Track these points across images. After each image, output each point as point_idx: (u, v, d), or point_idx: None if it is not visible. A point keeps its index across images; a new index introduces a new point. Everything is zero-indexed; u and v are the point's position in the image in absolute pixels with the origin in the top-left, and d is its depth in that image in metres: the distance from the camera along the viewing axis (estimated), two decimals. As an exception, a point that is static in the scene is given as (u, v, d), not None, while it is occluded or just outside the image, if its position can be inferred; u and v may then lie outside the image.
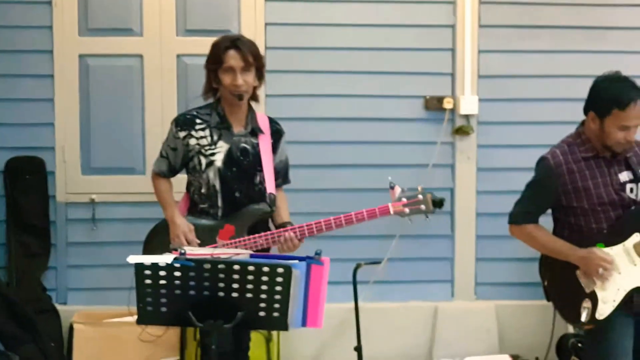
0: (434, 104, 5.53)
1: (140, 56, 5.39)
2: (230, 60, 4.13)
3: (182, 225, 4.25)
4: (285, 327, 3.17)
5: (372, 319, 5.37)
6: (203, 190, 4.29)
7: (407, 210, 4.14)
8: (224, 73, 4.15)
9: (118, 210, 5.43)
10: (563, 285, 4.18)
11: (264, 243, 4.15)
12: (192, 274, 3.07)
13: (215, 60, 4.18)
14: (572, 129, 5.49)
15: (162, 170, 4.44)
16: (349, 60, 5.51)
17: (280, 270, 3.09)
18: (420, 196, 4.15)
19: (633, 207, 4.10)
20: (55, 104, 5.37)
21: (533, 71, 5.55)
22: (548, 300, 4.33)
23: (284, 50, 5.45)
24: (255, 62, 4.18)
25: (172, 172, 4.44)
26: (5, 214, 5.37)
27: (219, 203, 4.26)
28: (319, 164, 5.44)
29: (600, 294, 4.02)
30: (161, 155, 4.43)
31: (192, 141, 4.27)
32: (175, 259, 3.06)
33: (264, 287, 3.10)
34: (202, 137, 4.26)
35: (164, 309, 3.15)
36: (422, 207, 4.14)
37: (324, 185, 5.39)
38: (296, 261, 3.22)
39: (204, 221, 4.28)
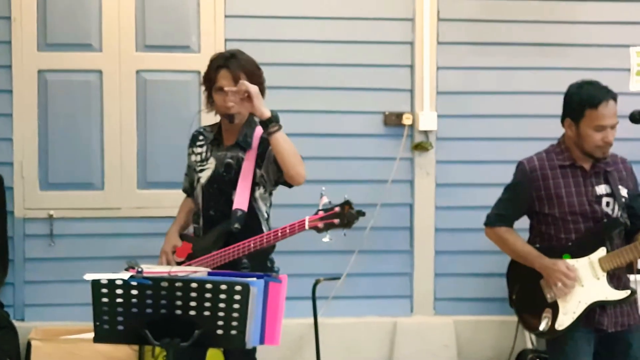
0: (393, 120, 5.57)
1: (100, 71, 5.37)
2: (221, 80, 3.99)
3: (167, 244, 4.22)
4: (243, 345, 3.17)
5: (331, 334, 5.39)
6: (195, 209, 4.22)
7: (320, 225, 3.65)
8: (215, 93, 4.02)
9: (76, 226, 5.40)
10: (527, 293, 4.18)
11: (227, 257, 3.96)
12: (149, 292, 3.07)
13: (208, 79, 4.05)
14: (530, 145, 5.60)
15: (184, 187, 4.38)
16: (308, 76, 5.54)
17: (238, 287, 3.09)
18: (337, 208, 3.62)
19: (604, 221, 4.07)
20: (14, 119, 5.34)
21: (491, 88, 5.61)
22: (511, 306, 4.32)
23: None
24: (248, 82, 3.97)
25: (192, 189, 4.27)
26: (-38, 230, 5.31)
27: (201, 222, 4.15)
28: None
29: (561, 305, 4.03)
30: (185, 173, 4.37)
31: (192, 158, 4.23)
32: (132, 276, 3.06)
33: (221, 305, 3.10)
34: (198, 154, 4.20)
35: (120, 327, 3.14)
36: (336, 221, 3.62)
37: (282, 201, 5.39)
38: (254, 279, 3.21)
39: (191, 239, 4.21)
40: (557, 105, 5.63)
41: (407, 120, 5.55)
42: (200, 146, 4.20)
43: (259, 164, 4.07)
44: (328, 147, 5.55)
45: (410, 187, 5.63)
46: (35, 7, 5.32)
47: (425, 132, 5.58)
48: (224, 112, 4.02)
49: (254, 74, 4.07)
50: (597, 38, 5.73)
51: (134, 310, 3.10)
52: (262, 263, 4.02)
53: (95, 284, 3.07)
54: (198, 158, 4.19)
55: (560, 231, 4.11)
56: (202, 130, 4.28)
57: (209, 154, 4.16)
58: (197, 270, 3.40)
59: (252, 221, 4.06)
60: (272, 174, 4.08)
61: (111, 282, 3.05)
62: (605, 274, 4.00)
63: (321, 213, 3.65)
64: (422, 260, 5.66)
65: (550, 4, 5.68)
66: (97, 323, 3.14)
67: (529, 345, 5.48)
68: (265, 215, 4.15)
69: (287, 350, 5.46)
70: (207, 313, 3.10)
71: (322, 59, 5.55)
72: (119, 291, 3.07)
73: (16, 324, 5.27)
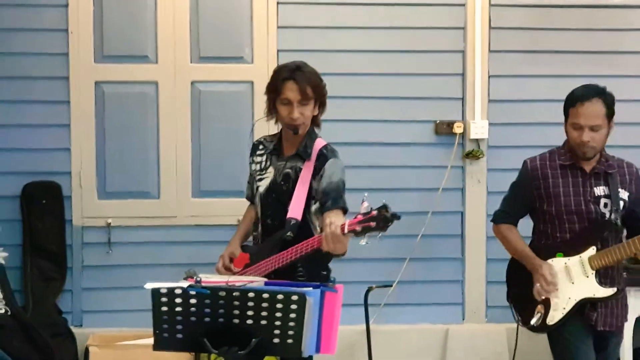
0: (444, 129, 5.59)
1: (155, 83, 5.46)
2: (287, 92, 3.95)
3: (226, 250, 4.23)
4: (299, 354, 3.19)
5: (383, 342, 5.42)
6: (255, 218, 4.24)
7: (358, 228, 3.62)
8: (280, 104, 3.99)
9: (133, 234, 5.49)
10: (523, 289, 4.26)
11: (276, 264, 3.96)
12: (207, 301, 3.10)
13: (273, 89, 4.02)
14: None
15: (247, 195, 4.38)
16: (360, 86, 5.58)
17: (294, 297, 3.11)
18: (374, 212, 3.60)
19: (596, 221, 4.14)
20: (72, 130, 5.44)
21: (542, 95, 5.59)
22: (508, 301, 4.44)
23: None
24: (314, 94, 3.98)
25: (254, 197, 4.30)
26: (21, 239, 5.42)
27: (259, 229, 4.17)
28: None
29: (553, 301, 4.13)
30: (247, 181, 4.38)
31: (253, 166, 4.24)
32: (190, 286, 3.11)
33: (278, 315, 3.12)
34: (258, 163, 4.21)
35: (179, 335, 3.18)
36: (373, 224, 3.59)
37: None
38: (310, 289, 3.25)
39: (250, 248, 4.25)
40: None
41: (458, 128, 5.57)
42: (260, 155, 4.21)
43: (314, 178, 4.05)
44: (380, 156, 5.59)
45: (462, 195, 5.66)
46: (91, 20, 5.42)
47: (477, 140, 5.59)
48: (289, 122, 3.99)
49: (319, 86, 4.05)
50: (646, 45, 5.71)
51: (193, 319, 3.14)
52: (317, 273, 4.05)
53: (155, 293, 3.12)
54: (257, 167, 4.19)
55: (557, 230, 4.21)
56: (262, 140, 4.28)
57: (268, 163, 4.17)
58: (254, 280, 3.44)
59: (305, 231, 4.03)
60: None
61: (170, 291, 3.10)
62: (594, 272, 4.09)
63: (360, 217, 3.64)
64: (473, 267, 5.68)
65: (601, 11, 5.66)
66: (157, 331, 3.18)
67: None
68: (318, 229, 4.06)
69: (340, 357, 5.41)
70: (264, 322, 3.13)
71: (373, 68, 5.59)
72: (178, 300, 3.11)
73: (74, 330, 5.39)
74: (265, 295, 3.11)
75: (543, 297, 4.13)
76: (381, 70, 5.60)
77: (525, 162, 4.33)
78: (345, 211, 4.01)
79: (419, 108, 5.62)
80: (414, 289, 5.62)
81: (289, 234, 3.96)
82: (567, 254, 4.16)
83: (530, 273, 4.21)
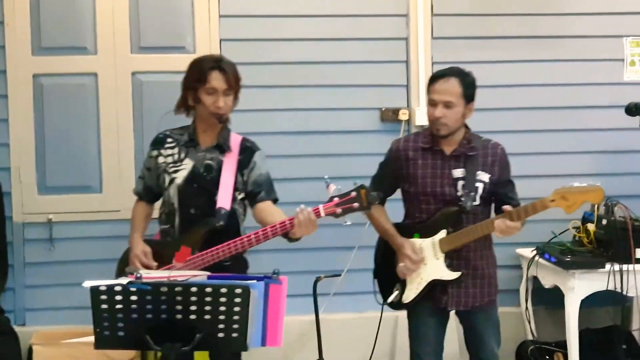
0: (389, 116, 5.57)
1: (95, 74, 5.37)
2: (213, 82, 4.08)
3: (136, 248, 4.22)
4: (244, 348, 3.18)
5: (333, 331, 5.40)
6: (165, 210, 4.28)
7: (339, 210, 3.79)
8: (205, 93, 4.10)
9: (75, 229, 5.40)
10: (386, 267, 4.41)
11: (225, 253, 4.03)
12: (148, 297, 3.07)
13: (198, 79, 4.11)
14: (527, 137, 5.62)
15: (138, 190, 4.44)
16: (304, 74, 5.54)
17: (238, 291, 3.09)
18: (353, 193, 3.78)
19: (448, 204, 4.23)
20: (10, 124, 5.33)
21: (486, 81, 5.51)
22: (374, 277, 4.58)
23: (240, 66, 5.37)
24: (236, 85, 4.16)
25: (149, 193, 4.40)
26: (-39, 236, 5.31)
27: (176, 222, 4.22)
28: (277, 177, 5.42)
29: (408, 281, 4.31)
30: (139, 177, 4.45)
31: (160, 159, 4.27)
32: (131, 282, 3.06)
33: (222, 309, 3.10)
34: (169, 155, 4.25)
35: (121, 333, 3.14)
36: (356, 205, 3.78)
37: (283, 199, 5.39)
38: (254, 281, 3.22)
39: (161, 241, 4.28)
40: (552, 97, 5.72)
41: (403, 115, 5.56)
42: (171, 148, 4.27)
43: (242, 170, 4.22)
44: (326, 145, 5.57)
45: (408, 182, 5.63)
46: (28, 11, 5.31)
47: (422, 127, 5.54)
48: (214, 111, 4.11)
49: (239, 78, 4.21)
50: (590, 29, 5.74)
51: (134, 315, 3.10)
52: (240, 256, 4.20)
53: (94, 290, 3.07)
54: (169, 160, 4.25)
55: (415, 210, 4.34)
56: (168, 133, 4.35)
57: (182, 155, 4.23)
58: (197, 275, 3.40)
59: (233, 221, 4.21)
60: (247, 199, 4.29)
61: (110, 288, 3.05)
62: (443, 255, 4.23)
63: (336, 200, 3.80)
64: (421, 254, 5.66)
65: (544, -4, 5.69)
66: (98, 329, 3.14)
67: (530, 337, 5.50)
68: (243, 217, 4.32)
69: (290, 348, 5.47)
70: (207, 317, 3.10)
71: (317, 56, 5.55)
72: (119, 297, 3.06)
73: (17, 329, 5.27)
74: (209, 290, 3.09)
75: (404, 277, 4.29)
76: (325, 58, 5.56)
77: (392, 143, 4.45)
78: (275, 201, 4.28)
79: (364, 96, 5.60)
80: (363, 278, 5.54)
81: (221, 222, 4.06)
82: (423, 235, 4.28)
83: (393, 250, 4.36)
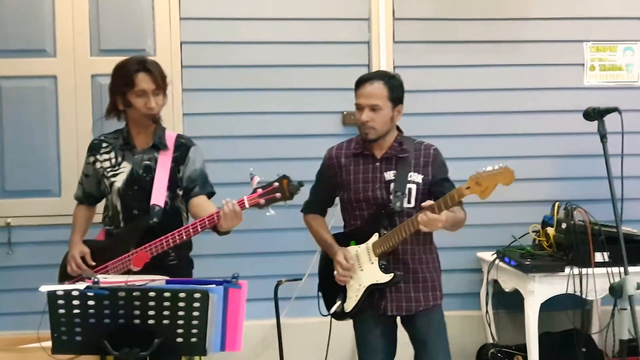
0: (351, 119, 5.56)
1: (54, 77, 5.32)
2: (142, 84, 4.12)
3: (73, 250, 4.30)
4: (203, 352, 3.17)
5: (294, 335, 5.39)
6: (109, 213, 4.32)
7: (262, 201, 3.82)
8: (135, 96, 4.14)
9: (34, 234, 5.35)
10: (328, 276, 4.35)
11: (157, 250, 4.05)
12: (106, 302, 3.05)
13: (125, 83, 4.13)
14: (487, 141, 5.64)
15: (78, 196, 4.50)
16: (266, 78, 5.53)
17: (197, 295, 3.09)
18: (276, 184, 3.82)
19: (378, 207, 4.19)
20: (-32, 128, 5.27)
21: (447, 85, 5.63)
22: (319, 289, 4.51)
23: (201, 69, 5.44)
24: (163, 84, 4.21)
25: (89, 198, 4.48)
26: None
27: (121, 224, 4.26)
28: (238, 181, 5.39)
29: (348, 289, 4.26)
30: (78, 182, 4.48)
31: (97, 165, 4.31)
32: (88, 287, 3.04)
33: (181, 313, 3.10)
34: (105, 160, 4.29)
35: (78, 338, 3.13)
36: (278, 195, 3.81)
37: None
38: (213, 285, 3.21)
39: (100, 242, 4.34)
40: (512, 101, 5.76)
41: (365, 119, 5.56)
42: (107, 152, 4.30)
43: (177, 167, 4.26)
44: (287, 148, 5.55)
45: (370, 185, 5.63)
46: (-14, 13, 5.26)
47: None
48: (147, 113, 4.17)
49: (165, 76, 4.26)
50: (551, 34, 5.77)
51: (92, 320, 3.09)
52: (186, 256, 4.36)
53: (52, 295, 3.05)
54: (107, 164, 4.28)
55: (351, 217, 4.32)
56: (102, 137, 4.38)
57: (119, 158, 4.28)
58: (155, 279, 3.38)
59: (174, 217, 4.26)
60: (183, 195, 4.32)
61: (67, 293, 3.03)
62: (377, 259, 4.17)
63: (260, 191, 3.84)
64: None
65: (504, 1, 5.71)
66: (55, 334, 3.12)
67: (490, 340, 5.52)
68: (186, 214, 4.36)
69: (251, 352, 5.46)
70: (166, 322, 3.09)
71: (279, 60, 5.54)
72: (76, 302, 3.05)
73: (-25, 334, 5.23)
74: (167, 294, 3.08)
75: (342, 284, 4.24)
76: (287, 61, 5.55)
77: (326, 151, 4.45)
78: (211, 195, 4.34)
79: (325, 99, 5.59)
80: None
81: (154, 219, 4.10)
82: (359, 241, 4.24)
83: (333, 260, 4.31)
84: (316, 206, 4.50)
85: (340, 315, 4.33)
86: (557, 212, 5.30)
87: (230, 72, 5.47)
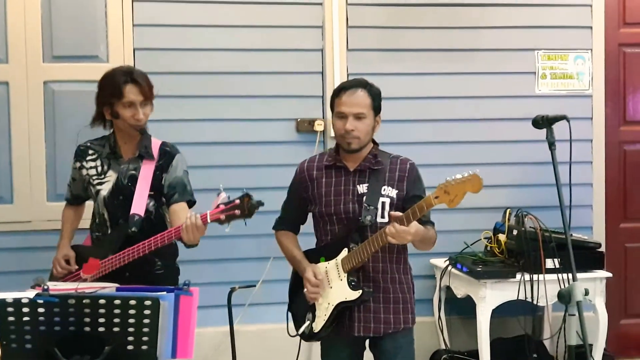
0: (305, 126, 5.59)
1: (6, 83, 5.28)
2: (130, 95, 4.12)
3: (59, 253, 4.34)
4: (154, 360, 3.16)
5: (248, 342, 5.42)
6: (96, 220, 4.33)
7: (222, 216, 3.84)
8: (123, 107, 4.13)
9: (-15, 240, 5.29)
10: (298, 296, 4.23)
11: (125, 260, 4.08)
12: (56, 309, 3.04)
13: (113, 94, 4.13)
14: (440, 149, 5.69)
15: (66, 197, 4.54)
16: (219, 85, 5.53)
17: (147, 302, 3.08)
18: (237, 201, 3.85)
19: (348, 221, 4.04)
20: None
21: (401, 93, 5.66)
22: (288, 309, 4.37)
23: (154, 75, 5.31)
24: (150, 94, 4.20)
25: (77, 199, 4.51)
26: None
27: (108, 231, 4.28)
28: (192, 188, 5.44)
29: (317, 308, 4.10)
30: (67, 184, 4.51)
31: (84, 172, 4.31)
32: (38, 295, 3.02)
33: (131, 320, 3.09)
34: (91, 168, 4.29)
35: (28, 346, 3.10)
36: (237, 212, 3.83)
37: (198, 209, 5.37)
38: (164, 292, 3.20)
39: (86, 248, 4.36)
40: (466, 109, 5.80)
41: (319, 126, 5.59)
42: (93, 160, 4.31)
43: (161, 174, 4.26)
44: (241, 155, 5.56)
45: (324, 192, 5.65)
46: (-63, 19, 5.20)
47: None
48: (135, 124, 4.16)
49: (152, 87, 4.24)
50: (503, 42, 5.85)
51: (42, 328, 3.07)
52: (173, 264, 4.38)
53: (1, 303, 3.02)
54: (92, 172, 4.29)
55: (322, 232, 4.17)
56: (88, 144, 4.38)
57: (105, 167, 4.28)
58: (106, 286, 3.37)
59: (157, 225, 4.24)
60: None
61: (17, 301, 3.01)
62: (346, 275, 4.01)
63: (222, 207, 3.86)
64: (336, 265, 5.68)
65: (457, 9, 5.77)
66: (4, 342, 3.09)
67: (443, 346, 5.56)
68: (170, 223, 4.33)
69: (204, 359, 5.45)
70: (116, 329, 3.08)
71: (232, 67, 5.55)
72: (25, 310, 3.03)
73: None
74: (117, 302, 3.07)
75: (311, 302, 4.09)
76: (241, 68, 5.56)
77: (298, 164, 4.31)
78: (191, 203, 4.34)
79: (280, 106, 5.61)
80: (279, 288, 5.55)
81: (133, 229, 4.11)
82: (328, 257, 4.09)
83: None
84: (287, 223, 4.35)
85: (309, 336, 4.17)
86: (509, 219, 5.36)
87: (184, 78, 5.46)
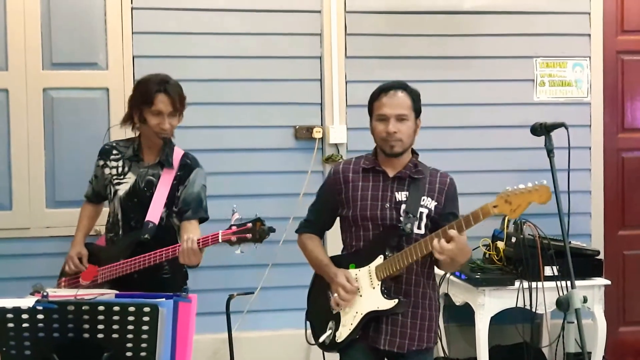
0: (303, 134, 5.60)
1: (6, 90, 5.28)
2: (159, 104, 4.17)
3: (72, 250, 4.40)
4: (153, 366, 3.16)
5: (246, 349, 5.42)
6: (111, 219, 4.39)
7: (234, 238, 3.86)
8: (151, 115, 4.18)
9: (-16, 247, 5.30)
10: (319, 303, 4.02)
11: (139, 266, 4.13)
12: (55, 316, 3.03)
13: (144, 101, 4.18)
14: (438, 155, 5.68)
15: (87, 193, 4.59)
16: (219, 92, 5.55)
17: (146, 309, 3.07)
18: (249, 224, 3.86)
19: (386, 228, 3.84)
20: None
21: (399, 100, 5.66)
22: (306, 318, 4.12)
23: None
24: (181, 106, 4.25)
25: (97, 196, 4.54)
26: None
27: (120, 232, 4.33)
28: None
29: (342, 317, 3.88)
30: (89, 181, 4.55)
31: (107, 170, 4.37)
32: (37, 301, 3.02)
33: (130, 327, 3.08)
34: (114, 167, 4.35)
35: (27, 352, 3.09)
36: (249, 235, 3.84)
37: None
38: (163, 299, 3.20)
39: (99, 247, 4.44)
40: (464, 117, 5.80)
41: (317, 133, 5.60)
42: (116, 160, 4.36)
43: (178, 186, 4.31)
44: (240, 162, 5.57)
45: (322, 199, 5.66)
46: (-64, 26, 5.21)
47: (336, 145, 5.63)
48: (159, 133, 4.22)
49: (184, 98, 4.30)
50: (501, 50, 5.86)
51: (41, 335, 3.06)
52: (181, 269, 4.40)
53: (0, 310, 3.03)
54: (114, 172, 4.35)
55: (352, 238, 3.94)
56: (114, 144, 4.44)
57: (126, 169, 4.34)
58: (105, 293, 3.37)
59: (167, 234, 4.29)
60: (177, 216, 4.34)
61: (16, 308, 3.01)
62: (380, 283, 3.80)
63: (234, 228, 3.87)
64: (335, 272, 5.68)
65: (454, 17, 5.78)
66: (4, 349, 3.08)
67: (441, 354, 5.56)
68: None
69: (203, 366, 5.46)
70: (115, 335, 3.07)
71: (231, 74, 5.56)
72: (25, 316, 3.02)
73: None
74: (116, 308, 3.06)
75: (337, 310, 3.88)
76: (240, 76, 5.57)
77: (331, 167, 4.15)
78: (203, 220, 4.34)
79: (278, 113, 5.63)
80: (277, 295, 5.61)
81: (146, 236, 4.18)
82: (359, 264, 3.88)
83: (325, 284, 3.97)
84: (314, 226, 4.14)
85: (330, 345, 3.91)
86: (507, 226, 5.36)
87: (184, 86, 5.42)
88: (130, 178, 4.32)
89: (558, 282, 4.99)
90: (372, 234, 3.87)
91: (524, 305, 5.07)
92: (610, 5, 6.01)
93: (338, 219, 4.09)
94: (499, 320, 5.21)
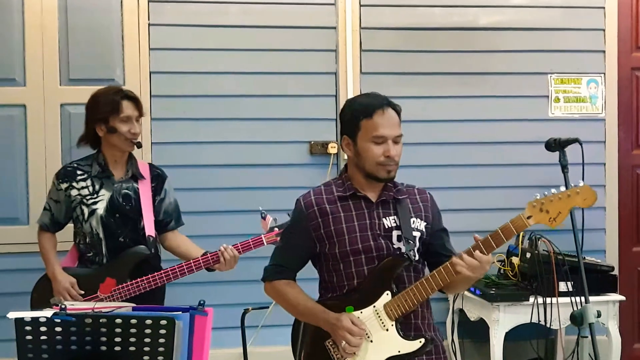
0: (318, 149, 5.62)
1: (24, 106, 5.33)
2: (127, 110, 4.32)
3: (64, 281, 4.34)
4: (169, 379, 3.17)
5: (261, 364, 5.40)
6: (87, 240, 4.39)
7: (279, 239, 3.82)
8: (120, 122, 4.31)
9: (2, 261, 5.34)
10: (314, 355, 3.52)
11: (150, 285, 4.24)
12: (73, 328, 3.05)
13: (111, 110, 4.30)
14: (452, 172, 5.69)
15: (44, 222, 4.52)
16: (234, 107, 5.57)
17: (163, 322, 3.09)
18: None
19: (385, 260, 3.42)
20: (-63, 155, 5.26)
21: (413, 116, 5.64)
22: None
23: (170, 98, 5.48)
24: (142, 111, 4.44)
25: (56, 225, 4.52)
26: None
27: (104, 250, 4.35)
28: (206, 210, 5.46)
29: None
30: (44, 209, 4.52)
31: (74, 192, 4.37)
32: (55, 314, 3.04)
33: (147, 340, 3.09)
34: (83, 188, 4.37)
35: (46, 364, 3.12)
36: None
37: (211, 232, 5.38)
38: (179, 312, 3.22)
39: (87, 270, 4.39)
40: (478, 133, 5.81)
41: (332, 149, 5.62)
42: (83, 179, 4.40)
43: (154, 197, 4.46)
44: (255, 178, 5.58)
45: (337, 215, 5.67)
46: (-45, 43, 5.28)
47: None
48: (132, 138, 4.35)
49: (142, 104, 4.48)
50: (516, 66, 5.87)
51: (59, 347, 3.08)
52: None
53: (19, 322, 3.05)
54: (85, 192, 4.38)
55: (342, 277, 3.46)
56: (75, 165, 4.48)
57: (97, 186, 4.39)
58: (122, 306, 3.38)
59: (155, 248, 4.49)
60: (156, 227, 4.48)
61: (35, 320, 3.03)
62: (394, 323, 3.36)
63: (277, 230, 4.26)
64: (350, 287, 5.68)
65: (470, 33, 5.80)
66: (22, 360, 3.12)
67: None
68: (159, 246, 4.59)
69: (217, 381, 5.45)
70: (132, 348, 3.09)
71: (247, 90, 5.59)
72: (43, 329, 3.04)
73: (-63, 363, 5.19)
74: (133, 321, 3.08)
75: (353, 352, 3.33)
76: (254, 91, 5.60)
77: (297, 200, 3.60)
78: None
79: (293, 129, 5.65)
80: (292, 310, 5.60)
81: (152, 250, 4.35)
82: (359, 305, 3.39)
83: (321, 334, 3.45)
84: (287, 271, 3.61)
85: None
86: (522, 242, 5.35)
87: (199, 101, 5.51)
88: (105, 195, 4.37)
89: (572, 298, 4.98)
90: (368, 269, 3.42)
91: (539, 320, 5.06)
92: (625, 22, 6.01)
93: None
94: (513, 336, 5.20)
